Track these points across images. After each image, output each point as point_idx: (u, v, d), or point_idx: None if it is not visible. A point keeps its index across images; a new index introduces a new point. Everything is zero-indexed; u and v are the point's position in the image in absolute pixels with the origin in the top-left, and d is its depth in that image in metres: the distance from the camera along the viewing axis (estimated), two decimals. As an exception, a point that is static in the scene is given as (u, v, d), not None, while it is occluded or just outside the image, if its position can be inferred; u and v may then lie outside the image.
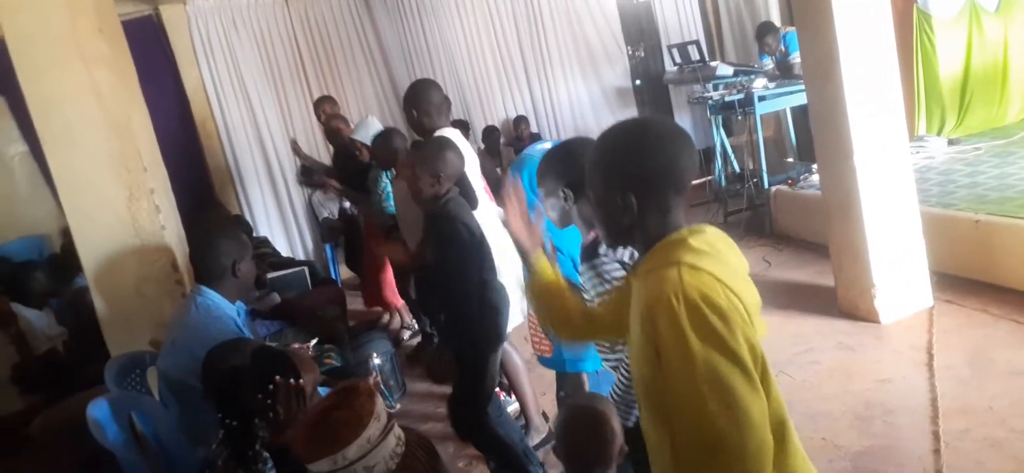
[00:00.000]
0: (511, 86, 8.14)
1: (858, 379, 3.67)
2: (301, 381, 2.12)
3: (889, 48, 4.16)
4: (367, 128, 5.06)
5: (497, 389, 3.93)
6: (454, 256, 3.05)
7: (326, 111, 5.95)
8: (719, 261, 1.40)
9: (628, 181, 1.45)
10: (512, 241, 1.96)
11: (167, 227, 3.32)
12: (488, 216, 3.59)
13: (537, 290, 1.92)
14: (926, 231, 4.24)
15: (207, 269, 2.82)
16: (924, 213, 4.28)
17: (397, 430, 1.62)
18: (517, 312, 3.61)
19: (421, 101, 3.84)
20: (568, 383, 3.08)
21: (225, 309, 2.81)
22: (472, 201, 3.66)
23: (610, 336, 1.97)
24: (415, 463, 1.62)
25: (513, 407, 3.97)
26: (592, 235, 2.15)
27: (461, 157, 3.24)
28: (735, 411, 1.29)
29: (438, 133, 3.78)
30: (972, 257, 4.33)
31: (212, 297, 2.80)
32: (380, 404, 1.62)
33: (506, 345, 3.73)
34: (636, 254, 1.67)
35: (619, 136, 1.52)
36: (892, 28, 4.18)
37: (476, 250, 3.06)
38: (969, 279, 4.32)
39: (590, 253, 2.14)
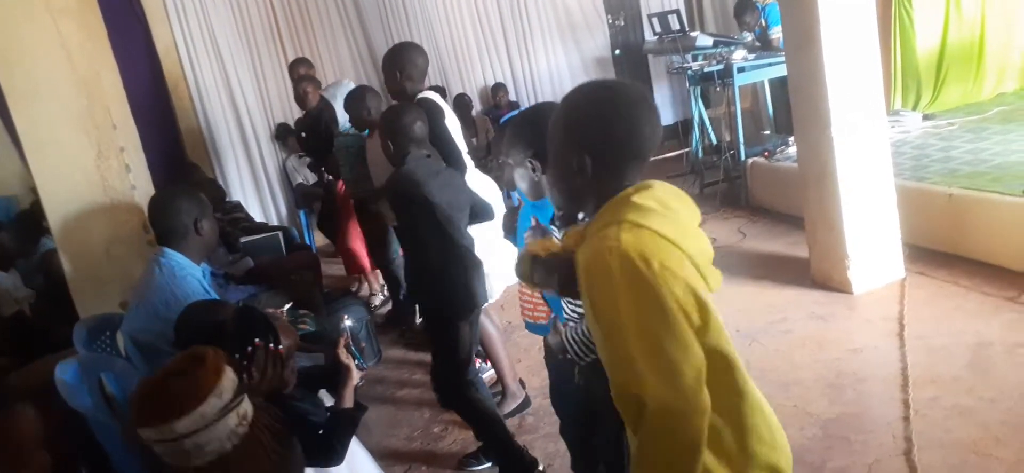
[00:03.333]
0: (490, 53, 8.07)
1: (830, 348, 3.70)
2: (281, 347, 2.09)
3: (869, 21, 4.16)
4: (341, 90, 5.00)
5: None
6: (415, 220, 3.04)
7: (299, 73, 5.85)
8: (665, 218, 1.39)
9: (585, 143, 1.44)
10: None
11: (138, 186, 3.25)
12: (473, 181, 3.56)
13: None
14: (900, 204, 4.27)
15: (168, 230, 2.77)
16: (898, 186, 4.31)
17: (245, 409, 1.53)
18: (499, 283, 3.59)
19: (406, 64, 3.81)
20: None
21: (189, 270, 2.76)
22: (459, 167, 3.63)
23: None
24: (257, 448, 1.54)
25: (488, 374, 3.97)
26: None
27: (426, 122, 3.23)
28: (666, 372, 1.29)
29: (421, 96, 3.75)
30: (944, 230, 4.38)
31: (176, 258, 2.75)
32: (228, 381, 1.52)
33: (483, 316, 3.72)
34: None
35: (582, 97, 1.50)
36: (873, 1, 4.18)
37: (439, 214, 3.02)
38: (941, 252, 4.37)
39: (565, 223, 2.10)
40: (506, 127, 2.56)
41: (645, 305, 1.30)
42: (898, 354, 3.53)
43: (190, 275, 2.77)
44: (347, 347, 2.37)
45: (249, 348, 2.01)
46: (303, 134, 5.77)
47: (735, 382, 1.40)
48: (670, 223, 1.38)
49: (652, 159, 1.55)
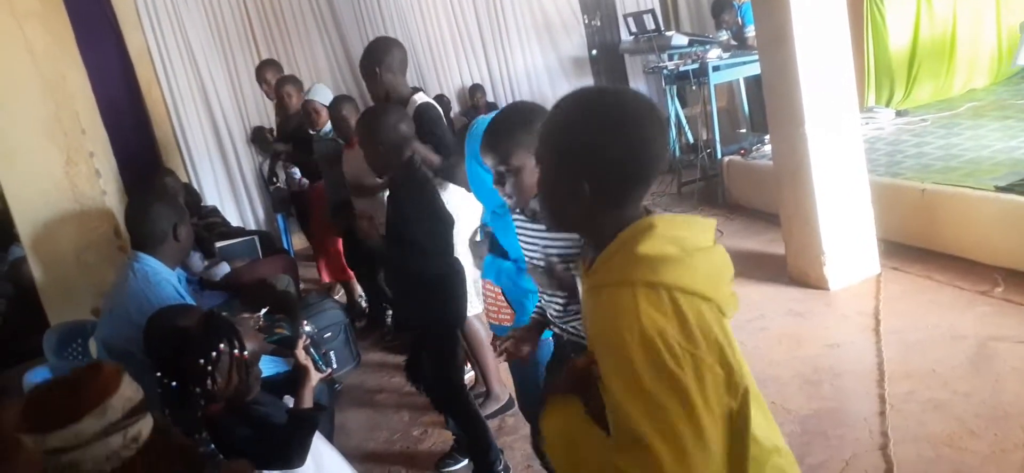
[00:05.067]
0: (467, 54, 8.05)
1: (807, 344, 3.73)
2: (245, 352, 2.06)
3: (841, 18, 4.20)
4: (318, 95, 4.96)
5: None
6: (426, 225, 2.95)
7: (268, 79, 5.78)
8: (681, 263, 1.21)
9: (583, 166, 1.25)
10: None
11: (108, 192, 3.21)
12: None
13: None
14: (874, 200, 4.31)
15: (145, 235, 2.73)
16: (872, 182, 4.35)
17: (137, 431, 1.43)
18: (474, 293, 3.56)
19: (384, 56, 3.70)
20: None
21: (164, 275, 2.73)
22: (460, 175, 3.50)
23: None
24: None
25: (468, 376, 3.95)
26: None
27: (411, 122, 3.14)
28: (678, 452, 1.14)
29: (422, 102, 3.66)
30: (918, 225, 4.42)
31: (150, 263, 2.71)
32: (119, 400, 1.42)
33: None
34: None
35: (578, 110, 1.29)
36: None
37: (445, 218, 2.99)
38: (915, 247, 4.41)
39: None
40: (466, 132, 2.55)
41: (665, 388, 1.14)
42: (874, 349, 3.56)
43: (165, 280, 2.74)
44: (306, 349, 2.34)
45: (214, 353, 1.98)
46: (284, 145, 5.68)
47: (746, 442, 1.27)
48: (686, 267, 1.21)
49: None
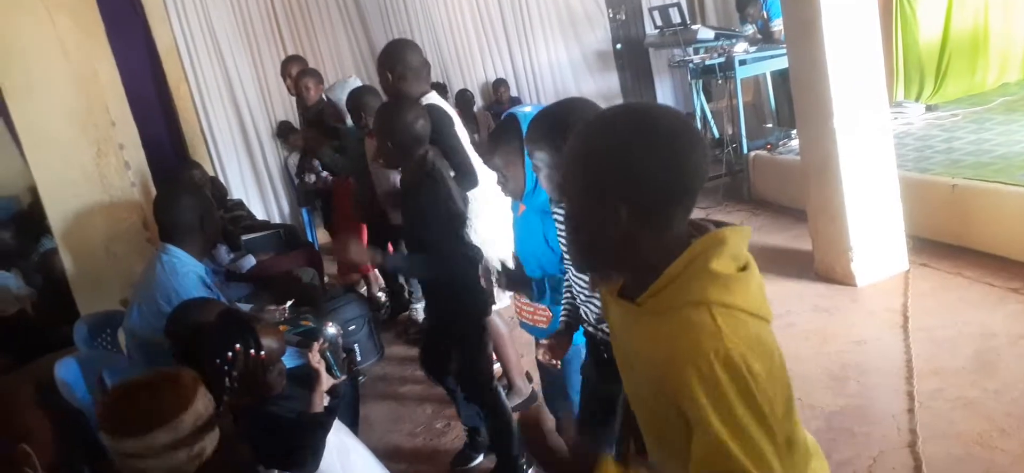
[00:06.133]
0: (491, 48, 8.05)
1: (833, 341, 3.69)
2: (262, 352, 2.06)
3: (871, 11, 4.14)
4: (345, 89, 4.97)
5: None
6: (441, 224, 2.90)
7: (292, 73, 5.80)
8: (747, 282, 1.15)
9: (617, 188, 1.13)
10: None
11: (137, 184, 3.25)
12: (487, 186, 3.35)
13: None
14: (903, 195, 4.25)
15: (172, 226, 2.77)
16: (901, 178, 4.29)
17: (201, 448, 1.49)
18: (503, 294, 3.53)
19: (396, 63, 3.56)
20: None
21: (191, 267, 2.76)
22: (470, 180, 3.42)
23: None
24: None
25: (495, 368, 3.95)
26: None
27: (428, 120, 3.03)
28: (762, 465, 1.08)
29: (429, 103, 3.51)
30: (948, 221, 4.35)
31: (178, 255, 2.75)
32: (190, 415, 1.48)
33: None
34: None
35: (608, 129, 1.17)
36: (874, -9, 4.17)
37: (456, 215, 2.97)
38: (944, 243, 4.35)
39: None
40: (500, 127, 2.52)
41: (752, 416, 1.07)
42: (902, 346, 3.51)
43: (192, 272, 2.77)
44: (322, 353, 2.34)
45: (229, 353, 1.99)
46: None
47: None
48: (751, 285, 1.16)
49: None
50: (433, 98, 3.64)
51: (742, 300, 1.13)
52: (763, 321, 1.15)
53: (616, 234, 1.15)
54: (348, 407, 3.06)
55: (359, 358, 4.68)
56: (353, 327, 4.52)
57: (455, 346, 3.12)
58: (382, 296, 5.53)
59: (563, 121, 1.85)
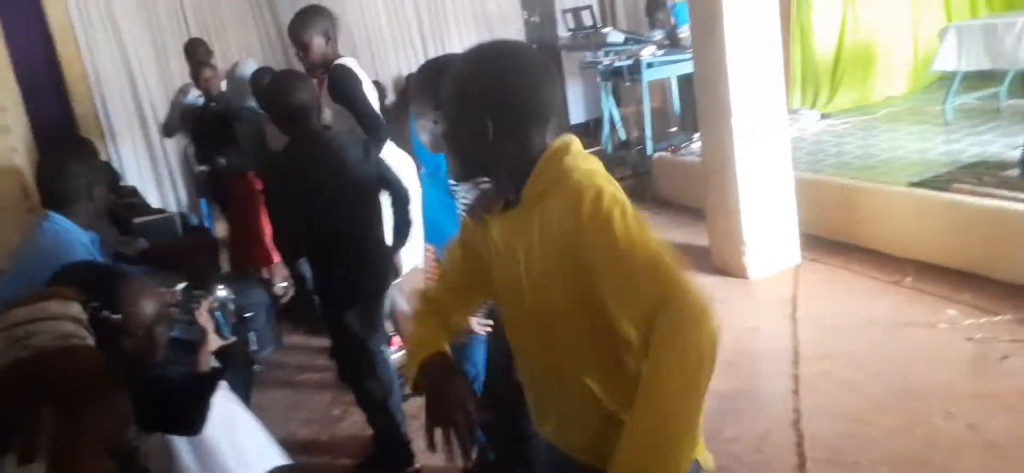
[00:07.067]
0: (404, 44, 8.00)
1: (727, 329, 3.71)
2: (117, 316, 1.93)
3: (771, 16, 4.30)
4: (245, 69, 4.84)
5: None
6: (328, 194, 2.87)
7: (200, 56, 5.60)
8: (595, 159, 1.38)
9: (486, 106, 1.34)
10: None
11: (18, 149, 3.06)
12: (389, 158, 3.39)
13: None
14: (797, 194, 4.43)
15: (58, 193, 2.60)
16: (795, 178, 4.47)
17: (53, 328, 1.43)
18: (408, 258, 3.49)
19: (330, 26, 3.56)
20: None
21: (75, 235, 2.60)
22: (379, 136, 3.41)
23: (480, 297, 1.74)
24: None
25: (399, 356, 3.89)
26: None
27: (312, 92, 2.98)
28: (673, 280, 1.25)
29: (339, 63, 3.54)
30: (837, 219, 4.57)
31: (61, 222, 2.58)
32: (63, 308, 1.44)
33: (395, 293, 3.65)
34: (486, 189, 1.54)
35: (478, 57, 1.40)
36: (775, -2, 4.34)
37: (352, 183, 2.93)
38: (834, 240, 4.55)
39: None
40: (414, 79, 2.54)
41: (644, 232, 1.26)
42: (791, 333, 3.65)
43: (77, 240, 2.61)
44: (211, 312, 2.25)
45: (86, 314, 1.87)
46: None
47: None
48: (600, 162, 1.39)
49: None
50: (344, 59, 3.61)
51: (598, 167, 1.37)
52: (617, 187, 1.34)
53: (485, 146, 1.35)
54: (241, 385, 2.96)
55: (256, 346, 4.55)
56: (250, 314, 4.36)
57: (348, 321, 3.06)
58: (284, 286, 5.39)
59: (440, 70, 1.93)
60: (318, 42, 3.53)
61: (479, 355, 2.58)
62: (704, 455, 1.41)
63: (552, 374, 1.45)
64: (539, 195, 1.34)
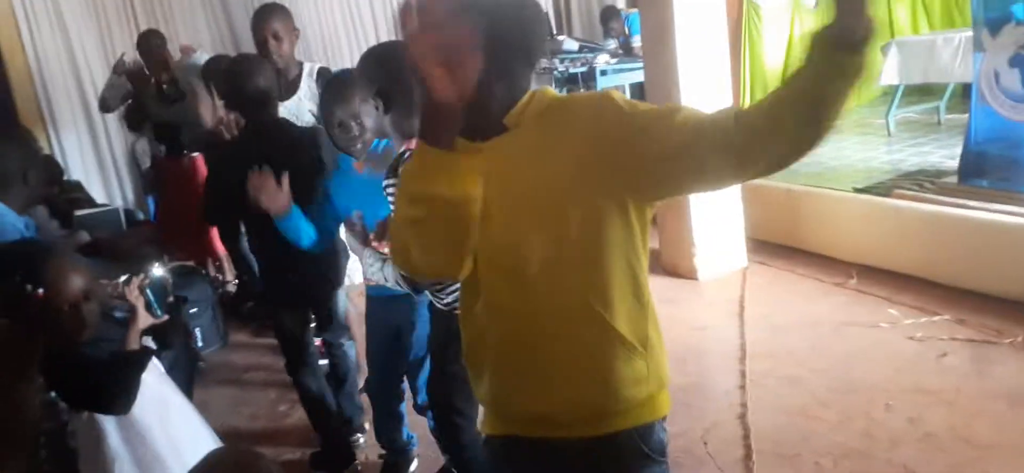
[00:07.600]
0: (359, 44, 7.91)
1: (676, 328, 3.83)
2: (39, 291, 1.87)
3: (720, 26, 4.39)
4: (198, 60, 4.76)
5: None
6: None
7: (155, 46, 5.47)
8: None
9: (483, 25, 1.28)
10: None
11: (-52, 131, 2.94)
12: None
13: None
14: (744, 199, 4.51)
15: None
16: (743, 183, 4.54)
17: None
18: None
19: (293, 25, 3.59)
20: None
21: (9, 219, 2.52)
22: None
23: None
24: None
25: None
26: (405, 146, 2.05)
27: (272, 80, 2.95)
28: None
29: (322, 67, 3.70)
30: (783, 224, 4.66)
31: (-5, 206, 2.50)
32: None
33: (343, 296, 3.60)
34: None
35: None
36: (723, 7, 4.41)
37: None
38: (780, 244, 4.65)
39: (398, 168, 2.01)
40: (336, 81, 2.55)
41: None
42: (738, 332, 3.71)
43: (10, 224, 2.52)
44: (142, 289, 2.20)
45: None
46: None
47: None
48: None
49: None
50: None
51: None
52: None
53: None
54: (183, 379, 2.89)
55: (202, 343, 4.46)
56: (195, 309, 4.29)
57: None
58: (227, 279, 5.29)
59: (383, 55, 2.05)
60: (292, 37, 3.59)
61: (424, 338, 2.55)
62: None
63: (554, 314, 1.38)
64: (536, 115, 1.36)
